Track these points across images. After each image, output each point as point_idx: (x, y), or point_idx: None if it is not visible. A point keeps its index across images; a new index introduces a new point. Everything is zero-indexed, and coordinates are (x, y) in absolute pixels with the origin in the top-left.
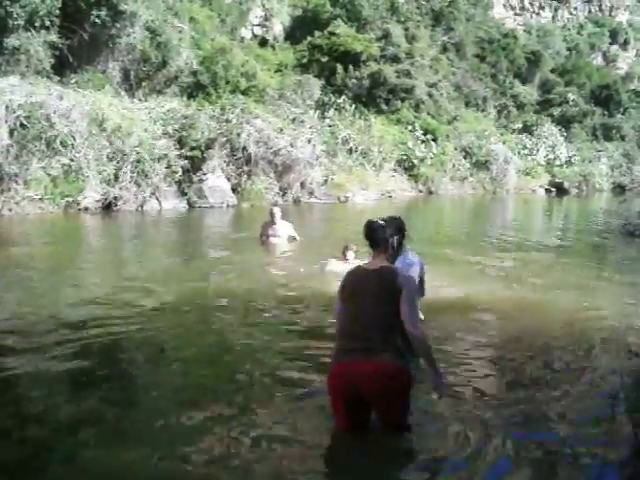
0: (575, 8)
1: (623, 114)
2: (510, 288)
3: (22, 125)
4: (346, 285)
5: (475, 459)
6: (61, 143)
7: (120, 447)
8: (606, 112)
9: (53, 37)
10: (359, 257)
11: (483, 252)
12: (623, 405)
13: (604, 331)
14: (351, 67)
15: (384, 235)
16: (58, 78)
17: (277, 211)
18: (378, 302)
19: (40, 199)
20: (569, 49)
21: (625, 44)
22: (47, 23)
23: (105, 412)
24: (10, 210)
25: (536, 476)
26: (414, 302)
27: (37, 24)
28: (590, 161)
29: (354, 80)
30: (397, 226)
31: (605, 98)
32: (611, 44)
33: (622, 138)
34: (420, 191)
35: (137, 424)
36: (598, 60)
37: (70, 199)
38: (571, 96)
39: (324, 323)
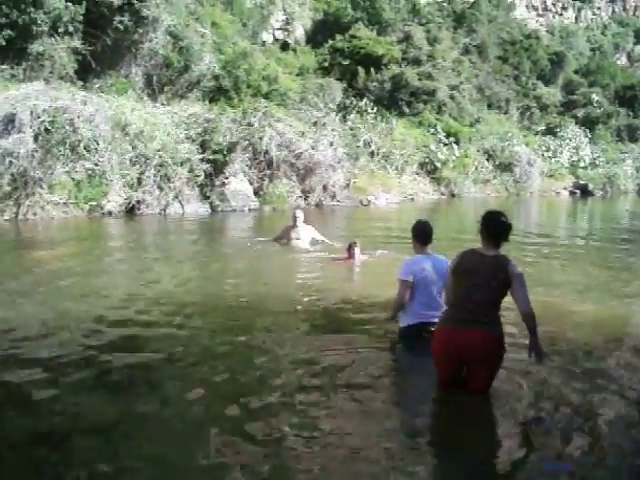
0: (599, 8)
1: None
2: (535, 290)
3: (46, 130)
4: (462, 263)
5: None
6: (85, 148)
7: (152, 452)
8: (631, 113)
9: (76, 43)
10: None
11: (507, 254)
12: None
13: (630, 336)
14: (373, 70)
15: (509, 232)
16: (81, 83)
17: (300, 214)
18: (490, 283)
19: (64, 203)
20: (593, 49)
21: None
22: (70, 29)
23: (135, 414)
24: (35, 214)
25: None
26: (526, 287)
27: (61, 30)
28: (615, 162)
29: (376, 83)
30: None
31: (630, 99)
32: (635, 44)
33: None
34: (442, 194)
35: (167, 433)
36: (622, 60)
37: (94, 203)
38: (595, 97)
39: (347, 321)
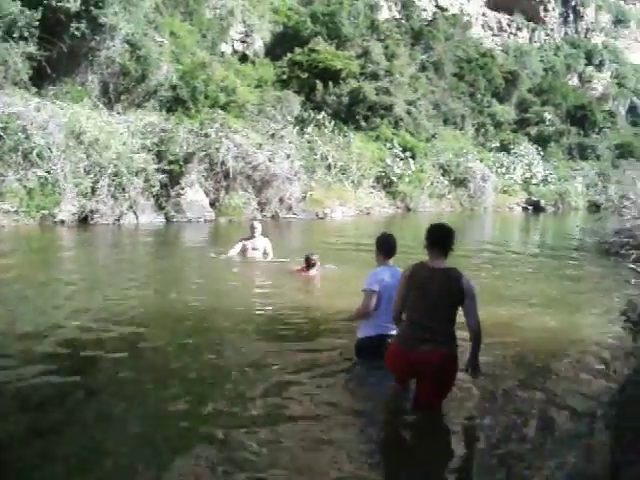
0: (552, 29)
1: (598, 134)
2: (485, 303)
3: None
4: (414, 277)
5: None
6: (38, 155)
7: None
8: (582, 132)
9: (32, 48)
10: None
11: (458, 267)
12: (602, 422)
13: (578, 347)
14: (331, 84)
15: (453, 238)
16: (36, 90)
17: (258, 225)
18: (445, 299)
19: (15, 212)
20: (545, 69)
21: (600, 65)
22: (26, 34)
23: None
24: None
25: None
26: (476, 302)
27: (16, 35)
28: (566, 180)
29: (334, 97)
30: None
31: (580, 118)
32: (587, 65)
33: (597, 157)
34: (398, 208)
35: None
36: (574, 81)
37: (46, 212)
38: (547, 115)
39: (305, 331)
